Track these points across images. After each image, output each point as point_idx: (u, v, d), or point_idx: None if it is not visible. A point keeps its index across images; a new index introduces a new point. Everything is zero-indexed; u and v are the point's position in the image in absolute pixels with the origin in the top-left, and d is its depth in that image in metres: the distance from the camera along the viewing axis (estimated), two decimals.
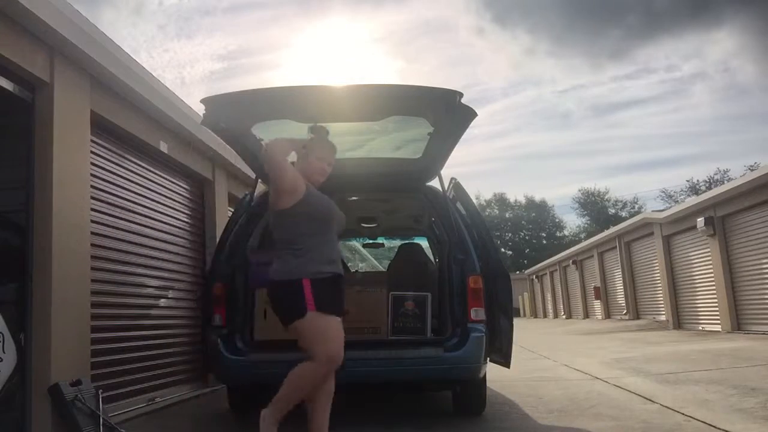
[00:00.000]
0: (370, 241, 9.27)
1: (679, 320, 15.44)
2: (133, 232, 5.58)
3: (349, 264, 10.74)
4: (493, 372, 4.80)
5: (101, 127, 5.04)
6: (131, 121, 5.42)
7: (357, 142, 4.81)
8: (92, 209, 4.79)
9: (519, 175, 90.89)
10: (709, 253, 13.55)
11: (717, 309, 13.35)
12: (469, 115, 3.95)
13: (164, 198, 6.31)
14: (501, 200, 63.09)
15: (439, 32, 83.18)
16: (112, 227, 5.21)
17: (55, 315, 4.14)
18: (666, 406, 4.69)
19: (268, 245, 3.44)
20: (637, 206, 53.30)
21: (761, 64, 63.89)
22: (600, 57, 77.83)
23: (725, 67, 73.45)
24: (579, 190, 58.57)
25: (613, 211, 55.16)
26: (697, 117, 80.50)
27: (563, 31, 73.69)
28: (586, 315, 24.75)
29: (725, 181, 32.85)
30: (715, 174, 45.76)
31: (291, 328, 3.24)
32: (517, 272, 42.33)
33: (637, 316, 18.98)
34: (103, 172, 5.12)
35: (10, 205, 4.30)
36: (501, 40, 78.43)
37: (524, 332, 15.39)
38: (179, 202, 6.69)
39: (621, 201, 56.75)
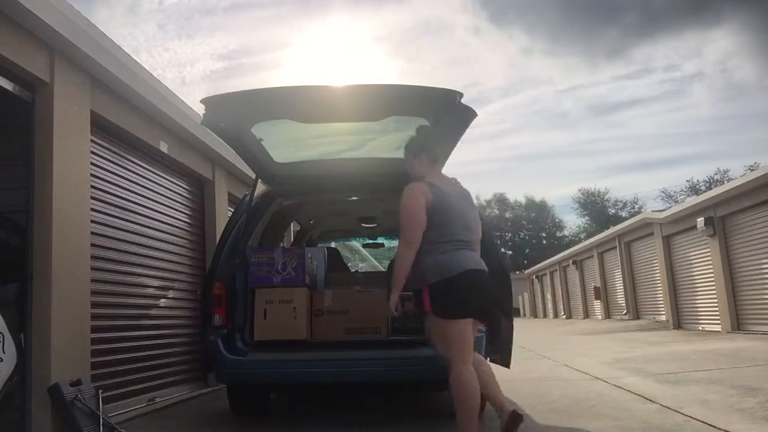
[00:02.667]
0: (370, 241, 9.28)
1: (679, 320, 15.43)
2: (133, 232, 5.58)
3: (349, 264, 10.74)
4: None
5: (101, 127, 5.04)
6: (131, 121, 5.42)
7: (357, 142, 4.81)
8: (92, 209, 4.79)
9: (519, 175, 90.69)
10: (709, 253, 13.54)
11: (717, 309, 13.34)
12: (469, 115, 3.95)
13: (164, 198, 6.31)
14: (501, 200, 63.15)
15: (439, 32, 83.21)
16: (112, 227, 5.21)
17: (55, 315, 4.14)
18: (666, 406, 4.69)
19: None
20: (637, 206, 53.27)
21: (761, 62, 63.86)
22: (597, 56, 77.89)
23: (724, 66, 73.46)
24: (579, 190, 58.53)
25: (613, 211, 55.10)
26: (697, 117, 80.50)
27: (560, 29, 73.75)
28: (586, 315, 24.74)
29: (725, 181, 32.84)
30: (715, 174, 45.71)
31: None
32: (517, 272, 42.27)
33: (637, 316, 18.97)
34: (103, 172, 5.12)
35: (10, 205, 4.30)
36: (498, 39, 78.45)
37: (524, 332, 15.35)
38: (179, 202, 6.69)
39: (621, 201, 56.67)
